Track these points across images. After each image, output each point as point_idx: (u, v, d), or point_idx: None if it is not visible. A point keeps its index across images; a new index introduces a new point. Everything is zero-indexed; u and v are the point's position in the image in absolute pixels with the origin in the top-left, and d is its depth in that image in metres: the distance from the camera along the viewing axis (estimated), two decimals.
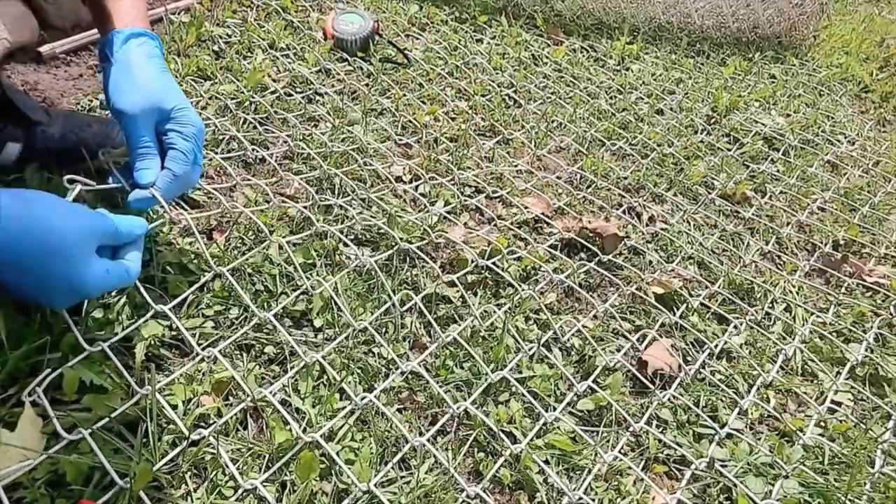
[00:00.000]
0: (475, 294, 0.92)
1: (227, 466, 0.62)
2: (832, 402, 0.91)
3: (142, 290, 0.70)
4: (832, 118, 1.76)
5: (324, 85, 1.29)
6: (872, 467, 0.81)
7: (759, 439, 0.84)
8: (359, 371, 0.76)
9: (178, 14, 1.33)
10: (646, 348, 0.90)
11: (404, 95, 1.33)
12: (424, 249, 0.95)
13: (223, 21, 1.37)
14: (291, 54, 1.36)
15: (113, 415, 0.63)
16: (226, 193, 0.96)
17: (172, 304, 0.73)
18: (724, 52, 1.98)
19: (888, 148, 1.68)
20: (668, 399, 0.84)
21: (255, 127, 1.11)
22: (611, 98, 1.58)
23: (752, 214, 1.28)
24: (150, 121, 0.70)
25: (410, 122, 1.26)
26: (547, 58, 1.67)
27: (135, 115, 0.69)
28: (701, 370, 0.90)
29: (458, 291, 0.91)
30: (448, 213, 1.06)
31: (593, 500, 0.71)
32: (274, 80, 1.24)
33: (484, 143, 1.26)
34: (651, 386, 0.85)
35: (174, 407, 0.67)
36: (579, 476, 0.73)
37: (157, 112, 0.70)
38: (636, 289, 1.00)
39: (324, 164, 1.05)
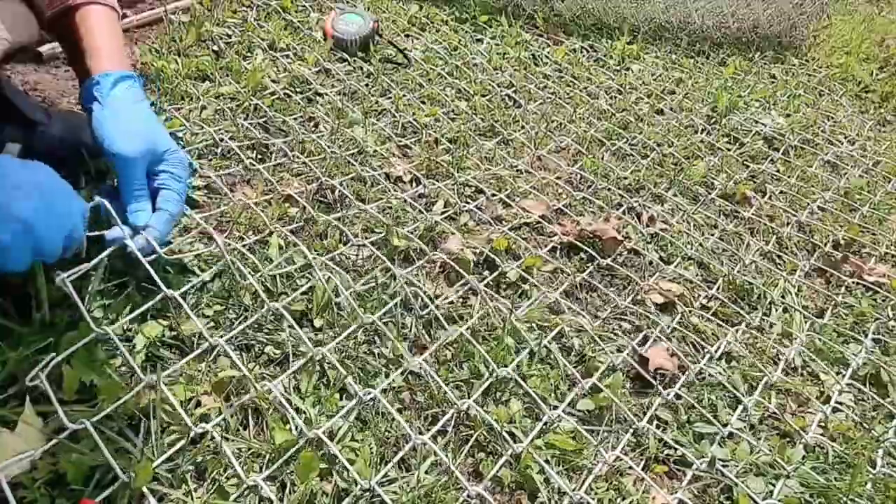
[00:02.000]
0: (475, 294, 0.92)
1: (231, 463, 0.62)
2: (835, 402, 0.91)
3: (154, 275, 0.70)
4: (832, 118, 1.76)
5: (324, 85, 1.29)
6: (874, 467, 0.81)
7: (760, 439, 0.84)
8: (359, 371, 0.76)
9: (178, 14, 1.33)
10: (646, 349, 0.90)
11: (404, 96, 1.33)
12: (424, 250, 0.95)
13: (223, 21, 1.37)
14: (291, 54, 1.36)
15: (116, 404, 0.63)
16: (226, 193, 0.95)
17: (180, 291, 0.72)
18: (724, 52, 1.98)
19: (888, 148, 1.68)
20: (671, 398, 0.84)
21: (254, 127, 1.11)
22: (611, 98, 1.57)
23: (752, 214, 1.28)
24: (145, 163, 0.74)
25: (410, 122, 1.26)
26: (547, 58, 1.67)
27: (135, 158, 0.72)
28: (702, 370, 0.90)
29: (457, 291, 0.91)
30: (448, 214, 1.06)
31: (594, 500, 0.71)
32: (274, 81, 1.24)
33: (484, 144, 1.26)
34: (654, 384, 0.85)
35: (173, 407, 0.66)
36: (580, 476, 0.73)
37: (151, 155, 0.74)
38: (636, 297, 1.00)
39: (323, 166, 1.05)
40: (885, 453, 0.84)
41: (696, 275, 1.09)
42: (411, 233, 0.97)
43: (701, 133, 1.52)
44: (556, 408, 0.78)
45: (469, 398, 0.75)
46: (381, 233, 0.96)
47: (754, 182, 1.40)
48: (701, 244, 1.15)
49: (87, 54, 0.77)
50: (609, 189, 1.22)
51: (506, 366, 0.80)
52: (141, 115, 0.76)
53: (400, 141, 1.20)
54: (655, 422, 0.82)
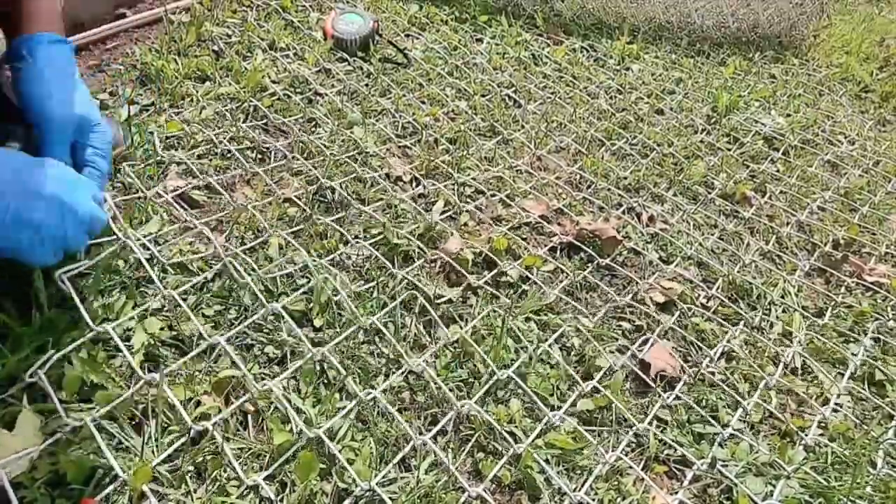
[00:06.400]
0: (475, 294, 0.92)
1: (231, 462, 0.62)
2: (834, 403, 0.91)
3: (153, 274, 0.70)
4: (832, 118, 1.76)
5: (323, 85, 1.29)
6: (874, 467, 0.81)
7: (760, 439, 0.84)
8: (359, 371, 0.76)
9: (178, 14, 1.33)
10: (647, 349, 0.90)
11: (404, 96, 1.33)
12: (423, 250, 0.95)
13: (223, 21, 1.37)
14: (291, 54, 1.36)
15: (116, 402, 0.63)
16: (225, 193, 0.95)
17: (178, 289, 0.72)
18: (724, 52, 1.98)
19: (888, 148, 1.68)
20: (672, 399, 0.84)
21: (254, 128, 1.11)
22: (611, 98, 1.57)
23: (752, 214, 1.28)
24: (72, 131, 0.70)
25: (410, 122, 1.26)
26: (547, 58, 1.67)
27: (65, 124, 0.69)
28: (702, 370, 0.90)
29: (456, 291, 0.91)
30: (448, 214, 1.06)
31: (594, 500, 0.71)
32: (274, 81, 1.24)
33: (484, 144, 1.25)
34: (653, 386, 0.85)
35: (172, 407, 0.66)
36: (580, 476, 0.73)
37: (81, 124, 0.70)
38: (636, 296, 1.00)
39: (323, 166, 1.05)
40: (885, 453, 0.84)
41: (696, 274, 1.09)
42: (411, 233, 0.97)
43: (701, 133, 1.52)
44: (556, 408, 0.78)
45: (469, 398, 0.75)
46: (380, 233, 0.96)
47: (754, 182, 1.40)
48: (701, 244, 1.15)
49: (23, 17, 0.72)
50: (609, 189, 1.22)
51: (506, 366, 0.80)
52: (74, 81, 0.72)
53: (400, 141, 1.20)
54: (655, 422, 0.82)
